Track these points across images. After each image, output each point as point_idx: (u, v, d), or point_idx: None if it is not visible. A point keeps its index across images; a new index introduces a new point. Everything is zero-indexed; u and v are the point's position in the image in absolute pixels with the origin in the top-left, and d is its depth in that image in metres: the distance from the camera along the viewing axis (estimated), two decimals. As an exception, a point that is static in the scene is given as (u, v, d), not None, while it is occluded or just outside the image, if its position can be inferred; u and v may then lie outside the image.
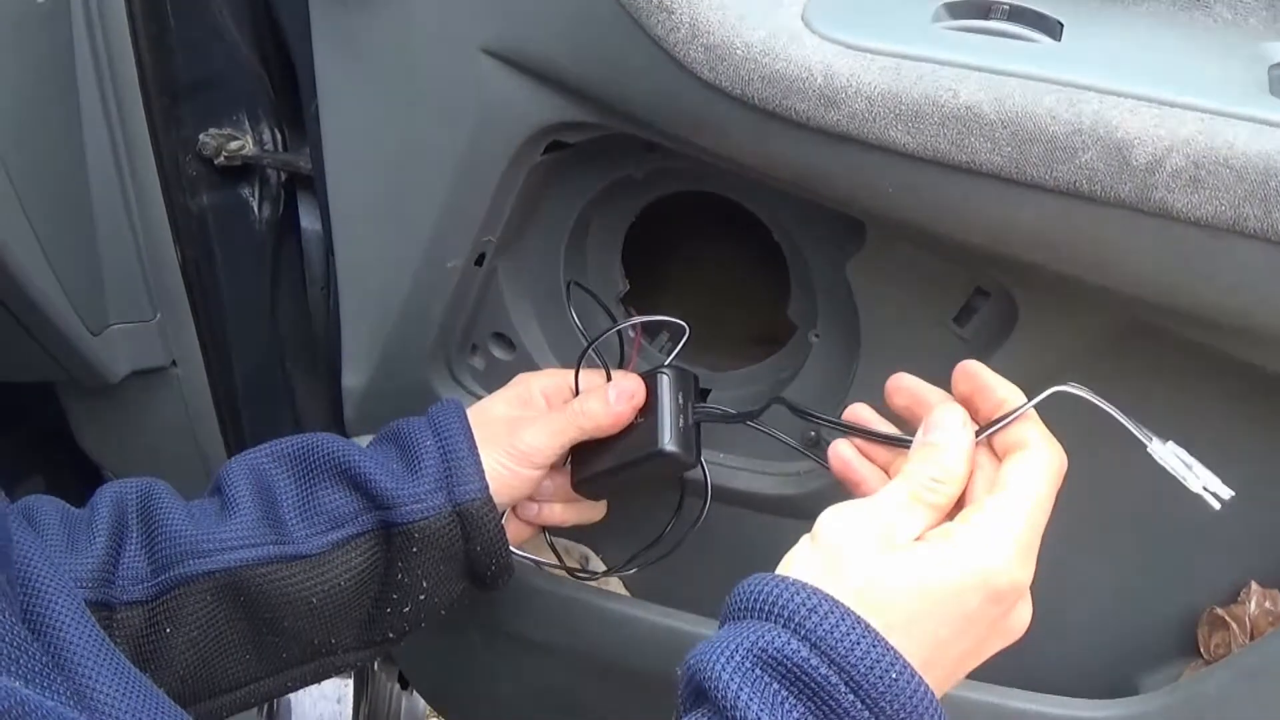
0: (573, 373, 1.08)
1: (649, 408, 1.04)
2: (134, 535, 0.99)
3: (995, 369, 0.94)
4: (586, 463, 1.07)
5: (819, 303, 1.04)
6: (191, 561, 0.97)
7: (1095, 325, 0.91)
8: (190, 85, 1.17)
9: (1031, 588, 1.05)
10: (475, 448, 1.02)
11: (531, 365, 1.16)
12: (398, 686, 1.78)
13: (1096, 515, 1.02)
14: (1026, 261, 0.85)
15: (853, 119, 0.81)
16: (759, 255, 1.10)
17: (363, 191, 1.08)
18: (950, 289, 0.96)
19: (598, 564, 1.20)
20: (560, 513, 1.12)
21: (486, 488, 1.01)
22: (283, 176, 1.25)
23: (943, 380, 0.99)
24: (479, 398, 1.19)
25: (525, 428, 1.05)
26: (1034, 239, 0.83)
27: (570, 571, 1.16)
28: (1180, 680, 1.01)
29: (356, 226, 1.10)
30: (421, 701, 1.93)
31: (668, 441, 1.02)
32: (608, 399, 1.04)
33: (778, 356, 1.13)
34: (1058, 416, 0.97)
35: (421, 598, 1.04)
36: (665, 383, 1.04)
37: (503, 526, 1.04)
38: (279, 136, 1.23)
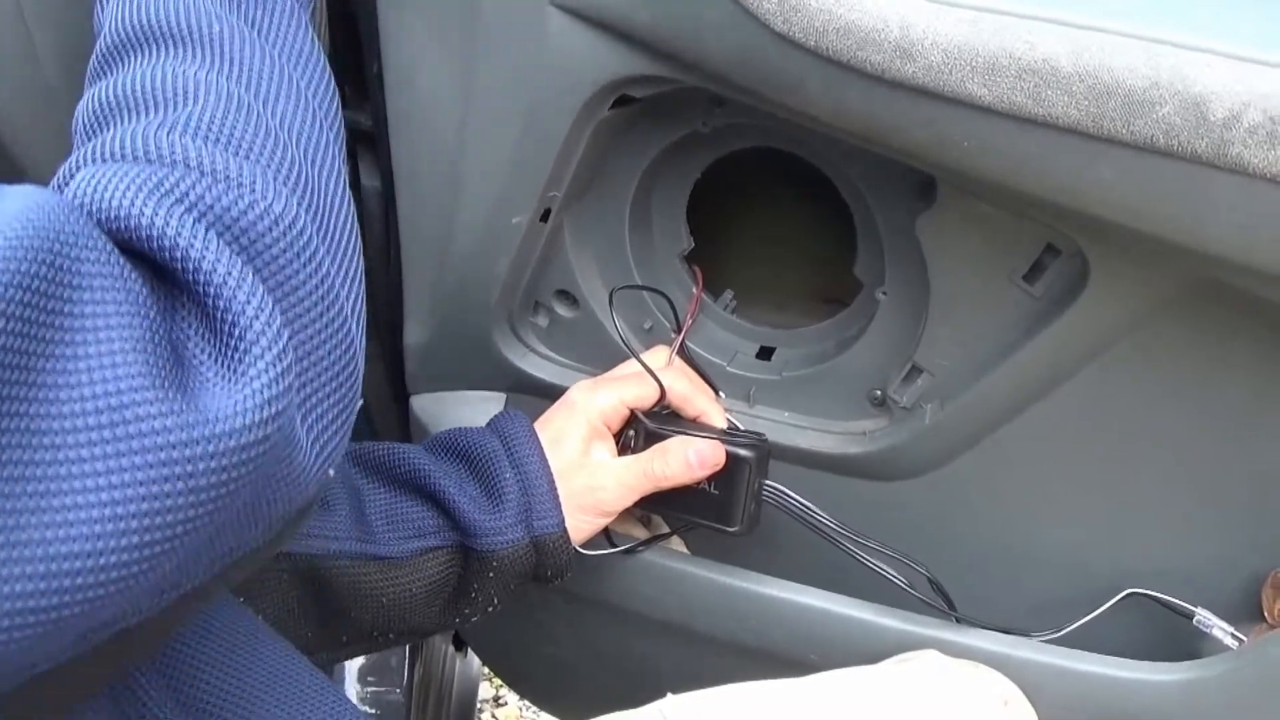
0: (625, 386, 1.11)
1: (725, 477, 1.07)
2: None
3: (1065, 328, 0.95)
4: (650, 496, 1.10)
5: (887, 260, 1.04)
6: None
7: (1167, 283, 0.90)
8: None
9: (1093, 548, 1.06)
10: (554, 482, 1.06)
11: (595, 323, 1.16)
12: (452, 648, 1.78)
13: (1160, 477, 1.02)
14: (1100, 218, 0.84)
15: (928, 71, 0.81)
16: (825, 213, 1.10)
17: (427, 148, 1.08)
18: (1021, 246, 0.95)
19: (659, 524, 1.20)
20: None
21: (563, 520, 1.06)
22: (341, 135, 1.25)
23: (1010, 338, 0.99)
24: (541, 355, 1.21)
25: (602, 482, 1.08)
26: (1109, 194, 0.82)
27: (631, 549, 1.17)
28: (1244, 644, 1.00)
29: (420, 183, 1.10)
30: (476, 663, 1.94)
31: (738, 526, 1.08)
32: (690, 462, 1.06)
33: (844, 314, 1.13)
34: (1122, 375, 0.97)
35: (490, 609, 1.09)
36: (748, 469, 1.07)
37: (574, 549, 1.08)
38: (336, 94, 1.22)
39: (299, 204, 0.66)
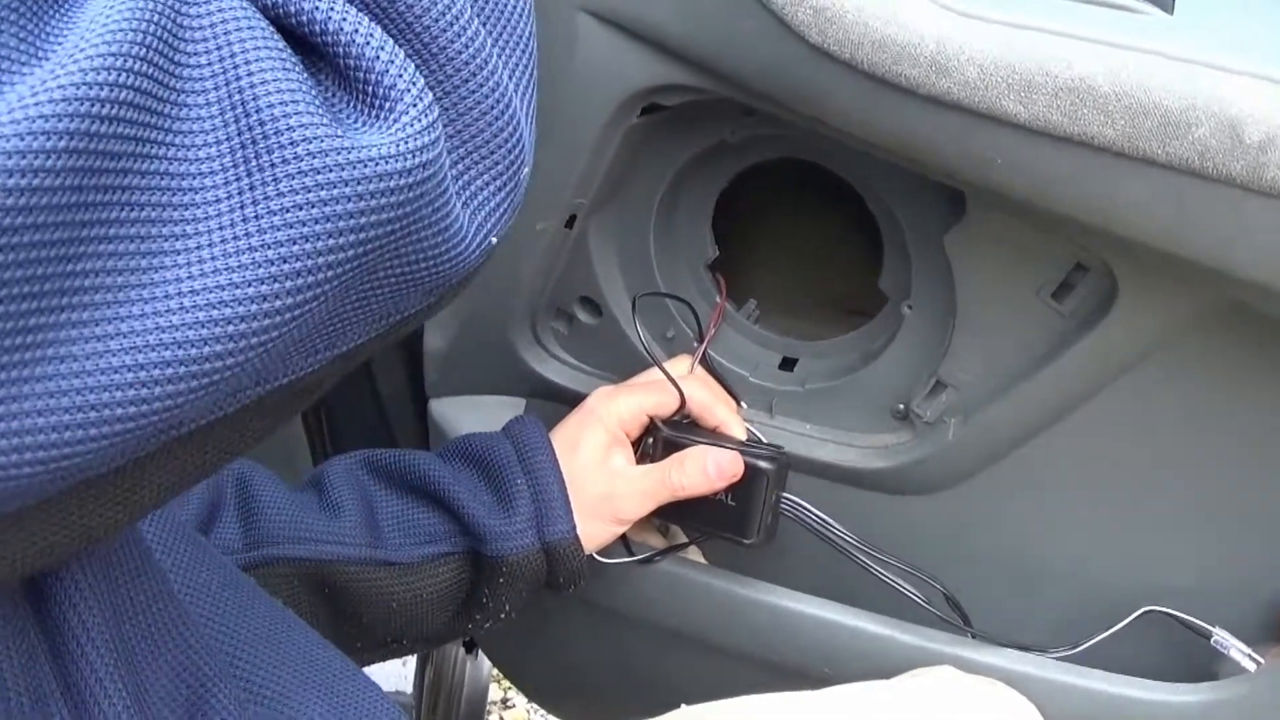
0: (645, 394, 1.11)
1: (742, 489, 1.07)
2: (230, 507, 1.03)
3: (1092, 346, 0.94)
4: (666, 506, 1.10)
5: (914, 274, 1.03)
6: (286, 545, 1.02)
7: (1196, 305, 0.90)
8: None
9: (1112, 565, 1.06)
10: (565, 489, 1.06)
11: (617, 330, 1.15)
12: (462, 650, 1.78)
13: (1181, 495, 1.01)
14: (1131, 238, 0.84)
15: (964, 88, 0.80)
16: (851, 225, 1.10)
17: (452, 153, 1.07)
18: (1050, 264, 0.95)
19: (677, 533, 1.20)
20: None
21: (574, 526, 1.05)
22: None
23: (1037, 355, 0.98)
24: (562, 361, 1.21)
25: (618, 490, 1.08)
26: (1141, 215, 0.82)
27: (648, 558, 1.16)
28: (1262, 666, 1.00)
29: (445, 188, 1.10)
30: (486, 666, 1.93)
31: (753, 538, 1.08)
32: (708, 472, 1.06)
33: (868, 327, 1.12)
34: (1146, 394, 0.97)
35: (502, 616, 1.09)
36: (766, 481, 1.07)
37: (586, 556, 1.08)
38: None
39: None
